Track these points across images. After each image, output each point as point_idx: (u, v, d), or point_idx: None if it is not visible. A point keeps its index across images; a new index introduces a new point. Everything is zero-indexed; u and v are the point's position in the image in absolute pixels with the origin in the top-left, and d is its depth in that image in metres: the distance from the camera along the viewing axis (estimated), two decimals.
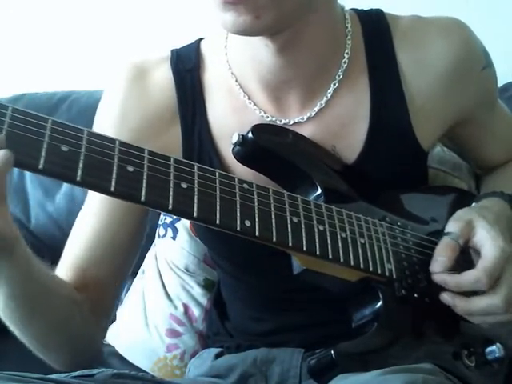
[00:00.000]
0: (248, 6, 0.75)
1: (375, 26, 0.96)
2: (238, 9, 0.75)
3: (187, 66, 0.95)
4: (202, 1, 1.64)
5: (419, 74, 0.94)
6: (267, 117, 0.92)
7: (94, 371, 0.96)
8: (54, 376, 0.86)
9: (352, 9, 0.98)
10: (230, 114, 0.93)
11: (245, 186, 0.74)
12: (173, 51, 0.98)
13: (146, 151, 0.66)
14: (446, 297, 0.86)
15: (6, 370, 0.80)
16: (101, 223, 0.93)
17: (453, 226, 0.88)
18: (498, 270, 0.83)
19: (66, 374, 0.91)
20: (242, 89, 0.93)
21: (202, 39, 1.00)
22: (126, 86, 0.94)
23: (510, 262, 0.85)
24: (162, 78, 0.95)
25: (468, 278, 0.84)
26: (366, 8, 0.99)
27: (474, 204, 0.96)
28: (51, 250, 1.57)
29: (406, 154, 0.96)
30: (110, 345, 1.49)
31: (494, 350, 0.90)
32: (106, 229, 0.93)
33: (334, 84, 0.92)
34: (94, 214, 0.94)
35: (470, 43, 0.97)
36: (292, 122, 0.92)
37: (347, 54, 0.93)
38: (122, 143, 0.65)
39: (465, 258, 0.87)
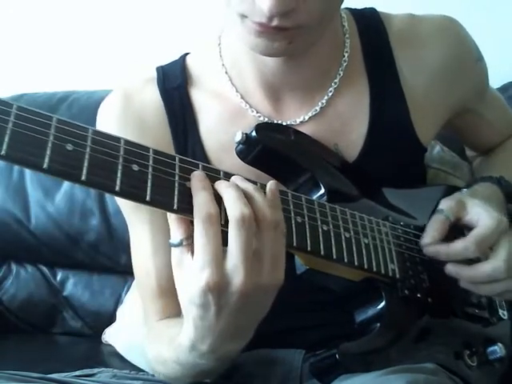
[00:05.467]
0: (283, 33, 0.75)
1: (370, 24, 0.97)
2: (272, 37, 0.76)
3: (174, 84, 0.95)
4: (200, 4, 1.66)
5: (416, 70, 0.95)
6: (265, 119, 0.92)
7: (95, 371, 0.97)
8: (54, 375, 0.86)
9: (345, 8, 0.98)
10: (226, 121, 0.93)
11: None
12: (158, 69, 0.98)
13: (151, 150, 0.66)
14: (450, 267, 0.87)
15: (6, 370, 0.80)
16: (153, 244, 0.93)
17: (444, 204, 0.91)
18: (489, 238, 0.85)
19: (67, 374, 0.91)
20: (239, 93, 0.93)
21: (187, 54, 0.99)
22: (119, 120, 0.94)
23: (506, 231, 0.87)
24: (151, 100, 0.94)
25: (457, 245, 0.86)
26: (358, 6, 0.99)
27: (464, 190, 0.98)
28: (51, 249, 1.60)
29: (406, 150, 0.96)
30: (110, 345, 1.49)
31: (496, 349, 0.91)
32: (160, 246, 0.93)
33: (335, 83, 0.93)
34: (144, 241, 0.94)
35: (463, 39, 0.99)
36: (292, 123, 0.92)
37: (346, 52, 0.93)
38: (127, 142, 0.64)
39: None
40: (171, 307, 0.92)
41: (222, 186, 0.68)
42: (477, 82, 1.03)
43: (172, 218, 0.69)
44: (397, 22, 0.97)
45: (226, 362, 0.79)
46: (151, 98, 0.94)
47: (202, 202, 0.65)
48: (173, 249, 0.69)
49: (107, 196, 1.54)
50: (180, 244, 0.67)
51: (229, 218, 0.65)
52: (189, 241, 0.67)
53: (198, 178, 0.67)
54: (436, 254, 0.88)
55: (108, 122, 0.94)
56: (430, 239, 0.88)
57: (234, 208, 0.65)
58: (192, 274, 0.66)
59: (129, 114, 0.93)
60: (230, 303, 0.66)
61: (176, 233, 0.68)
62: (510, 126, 1.15)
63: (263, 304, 0.71)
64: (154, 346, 0.90)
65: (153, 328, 0.95)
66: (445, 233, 0.88)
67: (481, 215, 0.87)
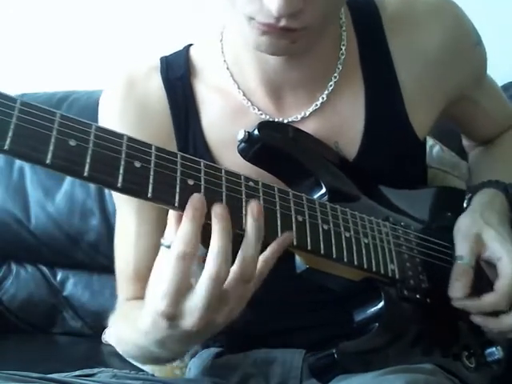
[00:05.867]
0: (289, 34, 0.75)
1: (365, 12, 0.95)
2: (277, 36, 0.75)
3: (177, 74, 0.95)
4: (201, 5, 1.66)
5: (412, 58, 0.94)
6: (267, 117, 0.92)
7: (95, 370, 0.96)
8: (54, 375, 0.85)
9: None
10: (228, 117, 0.93)
11: (251, 183, 0.73)
12: (162, 59, 0.97)
13: (153, 147, 0.66)
14: (478, 319, 0.87)
15: (6, 370, 0.80)
16: (136, 233, 0.95)
17: (463, 248, 0.89)
18: None
19: (67, 374, 0.91)
20: (240, 89, 0.92)
21: (190, 45, 0.99)
22: (120, 107, 0.94)
23: None
24: (154, 89, 0.94)
25: (488, 301, 0.85)
26: None
27: (469, 195, 0.97)
28: (51, 249, 1.60)
29: (402, 143, 0.95)
30: (110, 345, 1.49)
31: (494, 351, 0.90)
32: (143, 236, 0.95)
33: (335, 77, 0.92)
34: (129, 228, 0.96)
35: (461, 21, 0.97)
36: (294, 119, 0.92)
37: (343, 45, 0.93)
38: (129, 139, 0.65)
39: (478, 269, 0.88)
40: (142, 292, 0.93)
41: (214, 234, 0.67)
42: (475, 67, 1.01)
43: (170, 215, 0.69)
44: (391, 6, 0.95)
45: (180, 356, 0.82)
46: (154, 86, 0.94)
47: (182, 236, 0.66)
48: (162, 247, 0.70)
49: (107, 196, 1.55)
50: (169, 247, 0.68)
51: (204, 269, 0.67)
52: None
53: (192, 206, 0.67)
54: (465, 307, 0.87)
55: (110, 105, 0.95)
56: (459, 294, 0.86)
57: (213, 264, 0.67)
58: (153, 296, 0.68)
59: (131, 99, 0.93)
60: (180, 331, 0.69)
61: (170, 231, 0.69)
62: (508, 117, 1.12)
63: (216, 329, 0.72)
64: (119, 324, 0.93)
65: (120, 307, 0.97)
66: (471, 280, 0.87)
67: (502, 257, 0.86)
